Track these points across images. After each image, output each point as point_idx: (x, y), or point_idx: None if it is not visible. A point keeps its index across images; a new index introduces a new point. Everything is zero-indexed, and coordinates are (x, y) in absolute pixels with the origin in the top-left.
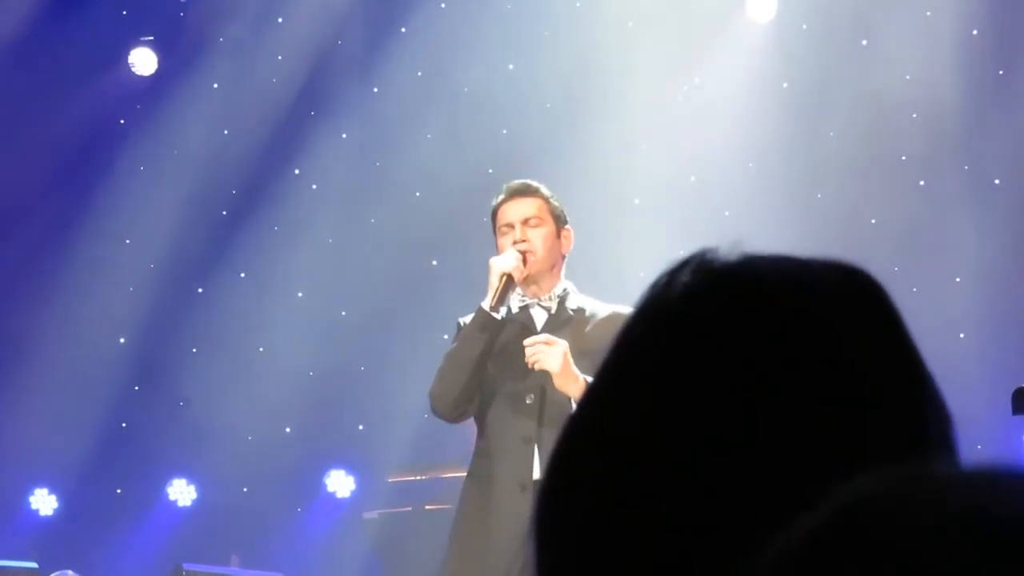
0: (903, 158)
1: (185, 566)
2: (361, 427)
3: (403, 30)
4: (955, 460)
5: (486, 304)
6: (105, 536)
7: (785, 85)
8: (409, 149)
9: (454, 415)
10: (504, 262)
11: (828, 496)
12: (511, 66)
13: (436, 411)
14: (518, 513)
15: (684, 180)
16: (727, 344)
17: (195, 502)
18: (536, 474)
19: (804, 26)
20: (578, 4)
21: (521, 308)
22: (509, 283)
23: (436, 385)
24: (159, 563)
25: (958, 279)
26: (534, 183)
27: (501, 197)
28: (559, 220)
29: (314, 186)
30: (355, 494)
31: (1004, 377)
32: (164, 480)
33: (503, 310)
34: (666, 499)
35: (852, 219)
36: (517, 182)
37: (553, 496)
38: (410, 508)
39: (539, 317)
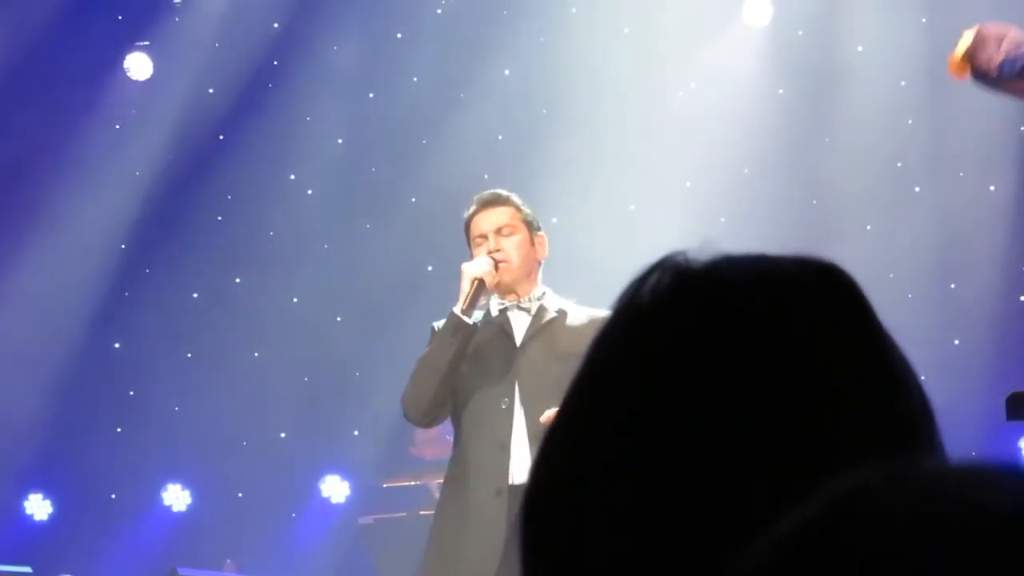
0: (899, 164)
1: (179, 570)
2: (356, 432)
3: (399, 35)
4: (940, 454)
5: (457, 308)
6: (100, 541)
7: (781, 91)
8: (405, 154)
9: (426, 420)
10: (476, 267)
11: (814, 492)
12: (507, 71)
13: (408, 416)
14: (494, 518)
15: (680, 186)
16: (700, 345)
17: (190, 507)
18: (511, 479)
19: (800, 32)
20: (574, 10)
21: (500, 311)
22: (481, 288)
23: (408, 390)
24: (154, 568)
25: (953, 285)
26: (503, 192)
27: (472, 208)
28: (532, 227)
29: (310, 191)
30: (350, 499)
31: (998, 382)
32: (159, 485)
33: (477, 314)
34: (648, 501)
35: (848, 225)
36: (487, 192)
37: (536, 500)
38: (405, 513)
39: (518, 319)
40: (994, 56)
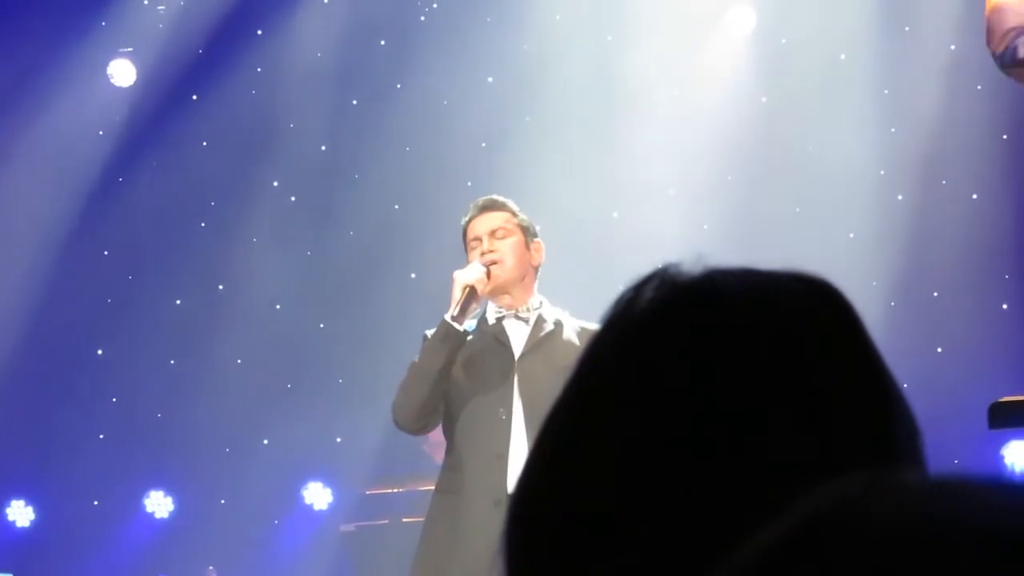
0: (881, 172)
1: None
2: (339, 439)
3: (382, 43)
4: (922, 470)
5: (448, 316)
6: (82, 548)
7: (764, 99)
8: (388, 162)
9: (416, 427)
10: (468, 274)
11: (794, 505)
12: (490, 79)
13: (398, 423)
14: (491, 529)
15: (663, 193)
16: (690, 361)
17: (172, 514)
18: (510, 489)
19: (783, 40)
20: (557, 17)
21: (496, 320)
22: (472, 295)
23: (398, 397)
24: (136, 575)
25: (935, 293)
26: (500, 198)
27: (469, 214)
28: (528, 232)
29: (293, 198)
30: (332, 506)
31: (981, 391)
32: (141, 492)
33: (470, 323)
34: (637, 512)
35: (830, 233)
36: (483, 198)
37: (524, 511)
38: (387, 520)
39: (515, 329)
40: (998, 44)
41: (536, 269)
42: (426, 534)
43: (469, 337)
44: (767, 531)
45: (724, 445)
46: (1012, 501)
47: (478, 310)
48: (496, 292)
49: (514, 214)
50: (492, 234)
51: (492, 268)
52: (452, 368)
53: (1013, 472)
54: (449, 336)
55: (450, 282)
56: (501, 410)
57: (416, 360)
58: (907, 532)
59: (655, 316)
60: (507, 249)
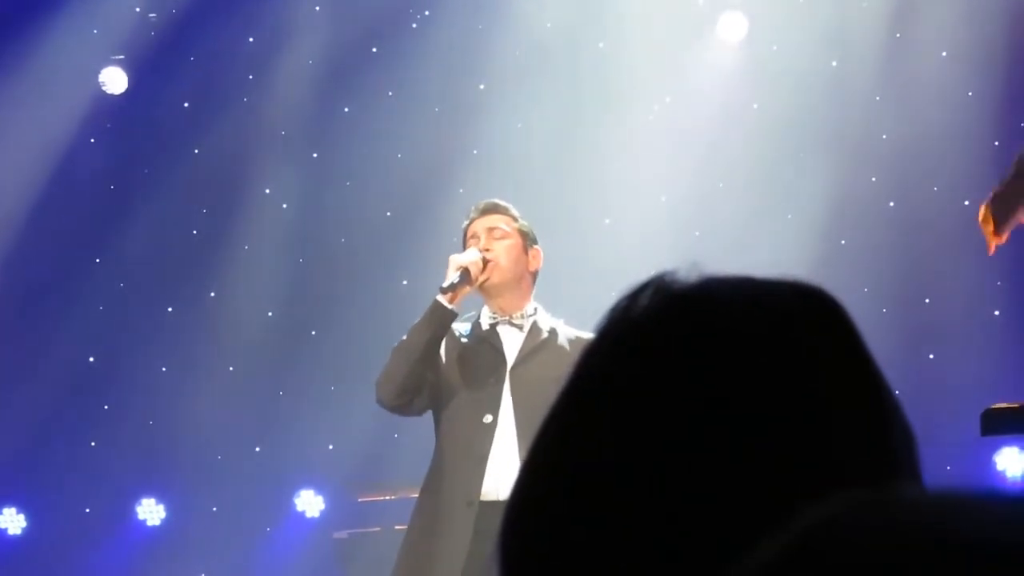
0: (873, 179)
1: None
2: (331, 447)
3: (374, 50)
4: (919, 482)
5: (439, 293)
6: (74, 555)
7: (755, 105)
8: (379, 169)
9: (396, 403)
10: (463, 256)
11: (792, 519)
12: (482, 86)
13: (379, 398)
14: (462, 529)
15: (654, 200)
16: (687, 367)
17: (164, 521)
18: (484, 493)
19: (775, 47)
20: (549, 24)
21: (491, 325)
22: (466, 277)
23: (381, 374)
24: None
25: (927, 300)
26: (503, 202)
27: (471, 216)
28: (527, 238)
29: (284, 205)
30: (324, 514)
31: (973, 398)
32: (133, 499)
33: (464, 327)
34: (631, 521)
35: (822, 240)
36: (485, 201)
37: (519, 519)
38: (379, 528)
39: (508, 336)
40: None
41: (533, 276)
42: (406, 534)
43: (464, 339)
44: (764, 547)
45: (721, 450)
46: (1008, 514)
47: (472, 314)
48: (490, 293)
49: (515, 218)
50: (490, 232)
51: (488, 264)
52: (438, 349)
53: (1007, 483)
54: (436, 312)
55: (445, 267)
56: (488, 415)
57: (403, 338)
58: (904, 547)
59: (651, 323)
60: (502, 249)
